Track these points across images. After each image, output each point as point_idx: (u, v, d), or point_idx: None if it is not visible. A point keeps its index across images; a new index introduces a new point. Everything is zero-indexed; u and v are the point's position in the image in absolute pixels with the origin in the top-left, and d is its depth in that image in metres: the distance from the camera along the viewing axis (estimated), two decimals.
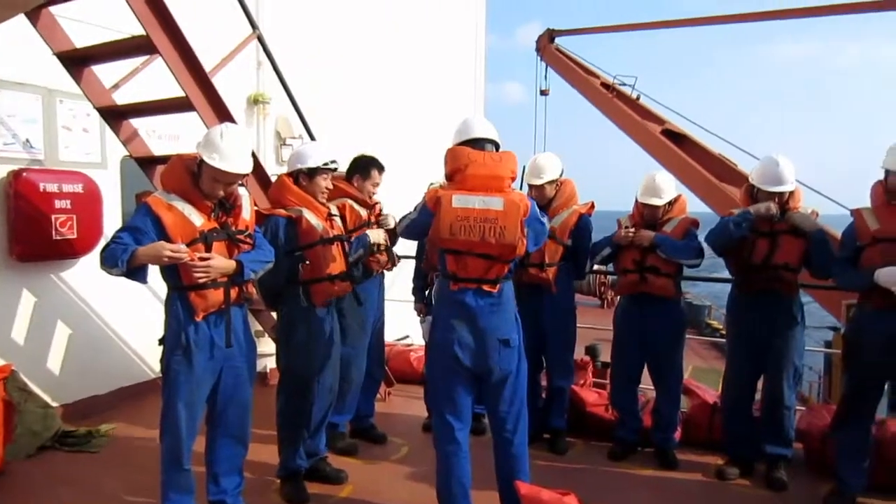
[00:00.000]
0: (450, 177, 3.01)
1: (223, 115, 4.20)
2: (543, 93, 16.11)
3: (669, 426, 4.18)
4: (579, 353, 7.12)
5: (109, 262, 2.73)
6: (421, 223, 3.05)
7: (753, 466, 3.95)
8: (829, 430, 3.70)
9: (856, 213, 3.49)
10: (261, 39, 4.87)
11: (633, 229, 4.07)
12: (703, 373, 11.47)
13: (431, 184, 3.35)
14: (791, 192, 3.74)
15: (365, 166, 4.18)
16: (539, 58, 15.91)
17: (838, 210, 5.61)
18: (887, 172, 3.35)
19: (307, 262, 3.45)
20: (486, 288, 2.96)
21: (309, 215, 3.49)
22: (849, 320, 3.71)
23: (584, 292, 20.14)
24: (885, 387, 3.56)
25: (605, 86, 13.95)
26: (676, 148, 11.73)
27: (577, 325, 4.40)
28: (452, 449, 3.03)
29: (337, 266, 3.57)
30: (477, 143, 3.00)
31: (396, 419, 4.87)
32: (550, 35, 15.68)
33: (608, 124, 13.68)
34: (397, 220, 3.56)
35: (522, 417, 3.12)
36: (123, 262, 2.70)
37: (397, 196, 4.55)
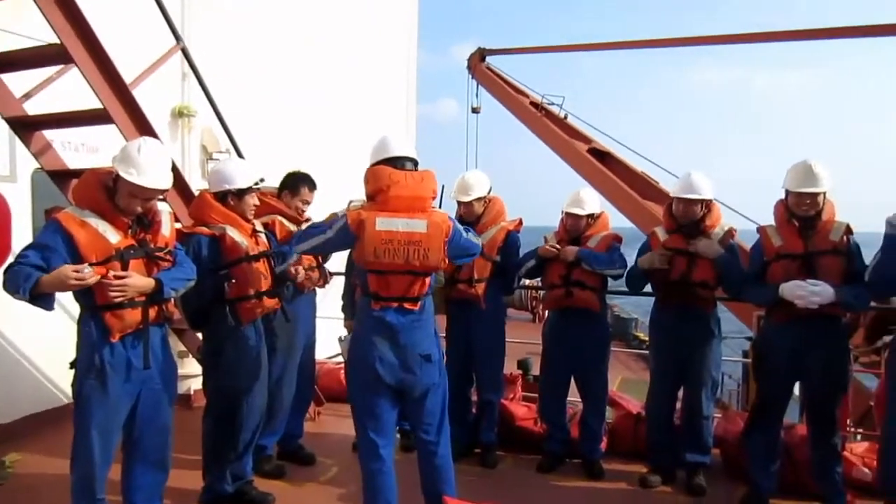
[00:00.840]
0: (371, 197, 2.98)
1: (144, 127, 4.08)
2: (475, 110, 16.33)
3: (595, 437, 4.28)
4: (511, 368, 7.22)
5: (11, 286, 2.58)
6: (335, 244, 3.04)
7: (675, 473, 4.09)
8: (742, 436, 3.88)
9: (761, 230, 3.70)
10: (185, 51, 4.76)
11: (558, 245, 4.17)
12: (631, 383, 11.75)
13: (351, 202, 3.32)
14: (708, 211, 3.91)
15: (294, 183, 4.14)
16: (470, 76, 16.16)
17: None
18: (787, 192, 3.57)
19: (233, 280, 3.38)
20: (407, 306, 2.97)
21: (233, 232, 3.41)
22: (757, 332, 3.91)
23: (517, 307, 20.40)
24: (797, 392, 3.76)
25: (534, 105, 14.27)
26: (602, 166, 12.11)
27: (509, 339, 4.47)
28: (377, 466, 3.01)
29: (264, 283, 3.50)
30: (395, 162, 2.98)
31: (326, 439, 4.79)
32: (481, 54, 15.96)
33: (538, 142, 14.01)
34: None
35: (445, 429, 3.15)
36: (26, 290, 2.55)
37: (329, 212, 4.51)
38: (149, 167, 2.77)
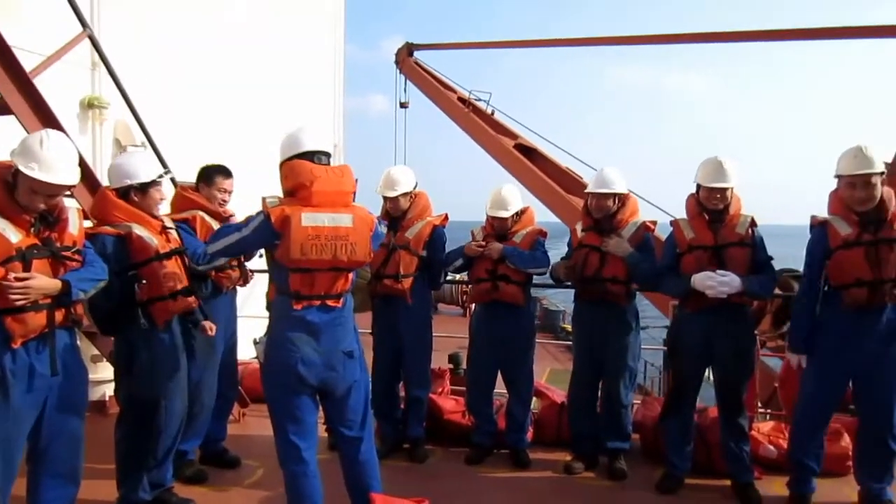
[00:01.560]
0: (290, 192, 2.91)
1: (47, 119, 3.86)
2: (403, 105, 16.27)
3: (521, 428, 4.36)
4: (442, 362, 7.25)
5: None
6: (253, 242, 2.96)
7: (597, 459, 4.23)
8: (658, 421, 4.04)
9: (674, 223, 3.87)
10: (92, 39, 4.52)
11: (483, 242, 4.22)
12: (559, 374, 12.01)
13: (266, 199, 3.24)
14: (622, 205, 4.05)
15: (207, 174, 3.99)
16: (398, 71, 16.09)
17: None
18: (698, 186, 3.74)
19: (143, 282, 3.23)
20: (330, 303, 2.93)
21: (140, 230, 3.25)
22: (672, 321, 4.09)
23: (446, 301, 20.52)
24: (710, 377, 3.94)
25: (462, 100, 14.36)
26: (528, 161, 12.31)
27: (439, 333, 4.50)
28: (300, 469, 2.94)
29: (178, 282, 3.37)
30: (311, 156, 2.91)
31: (251, 441, 4.68)
32: (409, 49, 15.91)
33: (466, 138, 14.11)
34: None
35: (368, 425, 3.13)
36: None
37: (254, 210, 4.39)
38: (52, 161, 2.62)
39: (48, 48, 4.15)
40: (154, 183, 3.35)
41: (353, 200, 3.00)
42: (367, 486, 3.06)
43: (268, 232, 2.83)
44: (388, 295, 4.19)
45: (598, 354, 4.11)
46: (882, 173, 3.38)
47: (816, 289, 3.51)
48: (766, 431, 4.29)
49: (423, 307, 4.35)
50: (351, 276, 3.01)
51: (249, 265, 4.27)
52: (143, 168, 3.34)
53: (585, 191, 4.13)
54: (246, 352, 5.42)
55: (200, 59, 7.29)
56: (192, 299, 3.46)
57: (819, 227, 3.49)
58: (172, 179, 3.71)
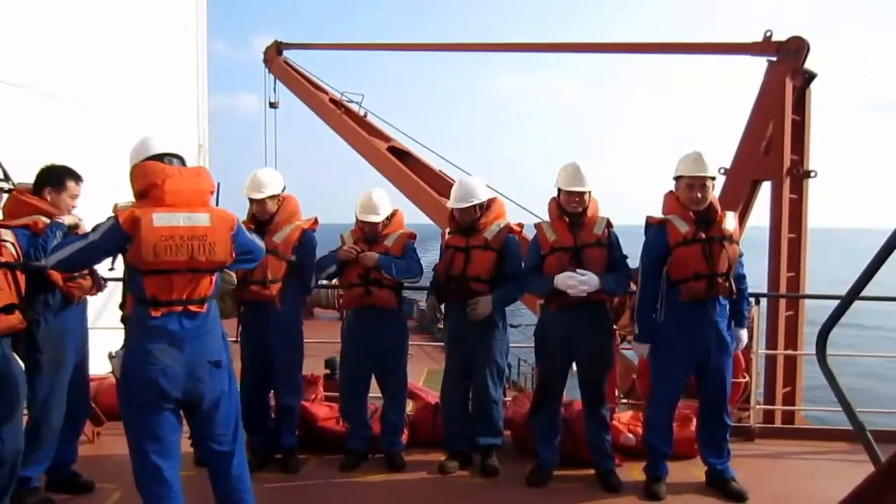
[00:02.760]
0: (143, 194, 2.76)
1: None
2: (273, 105, 15.86)
3: (396, 430, 4.37)
4: (318, 368, 7.12)
5: None
6: (102, 249, 2.76)
7: (471, 457, 4.31)
8: (528, 416, 4.21)
9: (538, 226, 4.06)
10: None
11: (356, 248, 4.20)
12: (436, 374, 12.12)
13: (117, 205, 3.04)
14: (487, 208, 4.18)
15: (58, 177, 3.65)
16: (267, 70, 15.65)
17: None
18: (559, 191, 3.95)
19: None
20: (193, 309, 2.78)
21: None
22: (538, 319, 4.28)
23: (323, 305, 20.18)
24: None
25: (334, 101, 14.20)
26: (401, 164, 12.40)
27: (316, 339, 4.40)
28: (162, 492, 2.76)
29: (2, 298, 3.06)
30: (160, 159, 2.80)
31: (107, 461, 4.35)
32: (278, 47, 15.52)
33: (339, 139, 13.95)
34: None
35: (239, 437, 3.00)
36: None
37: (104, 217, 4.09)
38: None
39: None
40: None
41: (212, 201, 2.90)
42: (236, 501, 2.93)
43: (117, 236, 2.67)
44: (255, 301, 4.05)
45: (467, 353, 4.20)
46: (714, 178, 3.77)
47: (656, 284, 3.79)
48: (626, 421, 4.59)
49: (293, 313, 4.24)
50: (214, 278, 2.87)
51: (104, 274, 3.97)
52: None
53: (448, 205, 4.22)
54: (100, 366, 5.05)
55: (47, 53, 6.71)
56: (17, 318, 3.14)
57: (658, 226, 3.79)
58: (10, 190, 3.36)
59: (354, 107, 14.16)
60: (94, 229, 2.76)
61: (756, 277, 5.21)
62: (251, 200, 4.08)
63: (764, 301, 5.24)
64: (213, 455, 2.94)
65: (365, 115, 14.04)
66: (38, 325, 3.39)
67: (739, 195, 7.84)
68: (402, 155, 12.90)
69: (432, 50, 15.37)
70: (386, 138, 13.41)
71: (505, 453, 4.38)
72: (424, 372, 13.00)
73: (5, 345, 3.13)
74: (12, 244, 3.24)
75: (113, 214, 2.77)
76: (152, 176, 2.72)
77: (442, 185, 11.87)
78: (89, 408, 4.26)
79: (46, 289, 3.47)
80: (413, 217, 4.56)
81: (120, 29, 8.06)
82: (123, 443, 4.61)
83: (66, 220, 3.53)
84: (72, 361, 3.75)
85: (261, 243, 3.16)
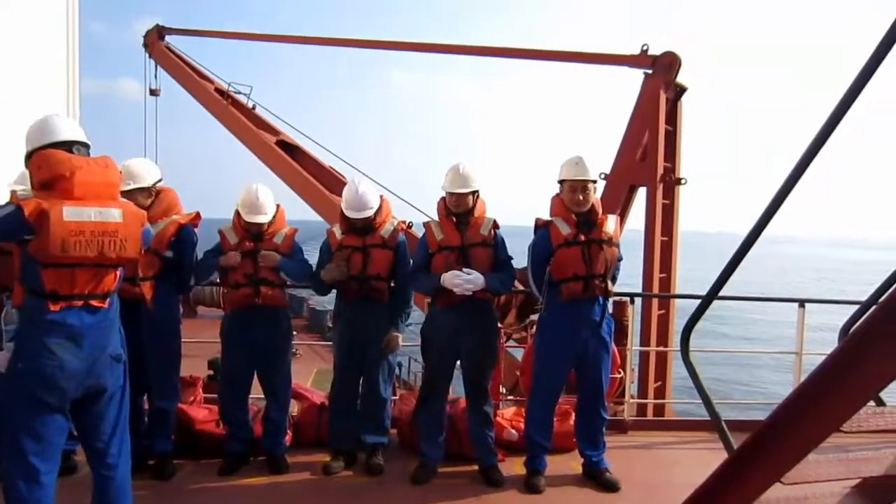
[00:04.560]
0: (46, 185, 2.61)
1: None
2: (153, 92, 15.04)
3: (279, 431, 4.26)
4: (200, 369, 6.80)
5: None
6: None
7: (356, 456, 4.28)
8: (413, 414, 4.23)
9: (426, 225, 4.10)
10: None
11: (238, 255, 4.04)
12: (326, 374, 11.96)
13: (17, 191, 2.80)
14: (379, 209, 4.15)
15: None
16: (147, 55, 14.81)
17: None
18: (448, 192, 4.00)
19: None
20: (95, 303, 2.68)
21: None
22: (425, 316, 4.31)
23: (208, 304, 19.37)
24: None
25: (220, 91, 13.66)
26: (290, 159, 12.11)
27: (199, 339, 4.20)
28: (38, 496, 2.61)
29: None
30: (68, 147, 2.67)
31: None
32: (160, 31, 14.75)
33: (226, 132, 13.43)
34: None
35: (126, 443, 2.90)
36: None
37: None
38: None
39: None
40: None
41: (122, 194, 2.83)
42: None
43: (17, 225, 2.53)
44: (125, 299, 3.80)
45: (360, 351, 4.17)
46: (595, 181, 3.95)
47: (540, 282, 3.95)
48: (509, 416, 4.71)
49: (168, 312, 4.00)
50: (119, 273, 2.80)
51: None
52: None
53: (344, 209, 4.13)
54: None
55: None
56: None
57: (543, 227, 3.95)
58: None
59: (243, 98, 13.69)
60: None
61: (631, 277, 5.52)
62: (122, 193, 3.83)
63: (638, 300, 5.55)
64: (98, 456, 2.84)
65: (254, 108, 13.61)
66: None
67: (618, 199, 8.25)
68: (290, 149, 12.60)
69: (323, 44, 15.10)
70: (275, 132, 13.06)
71: (390, 452, 4.38)
72: (314, 372, 12.78)
73: None
74: None
75: (10, 200, 2.59)
76: (58, 167, 2.60)
77: (332, 180, 11.70)
78: None
79: None
80: (293, 213, 4.45)
81: None
82: None
83: None
84: None
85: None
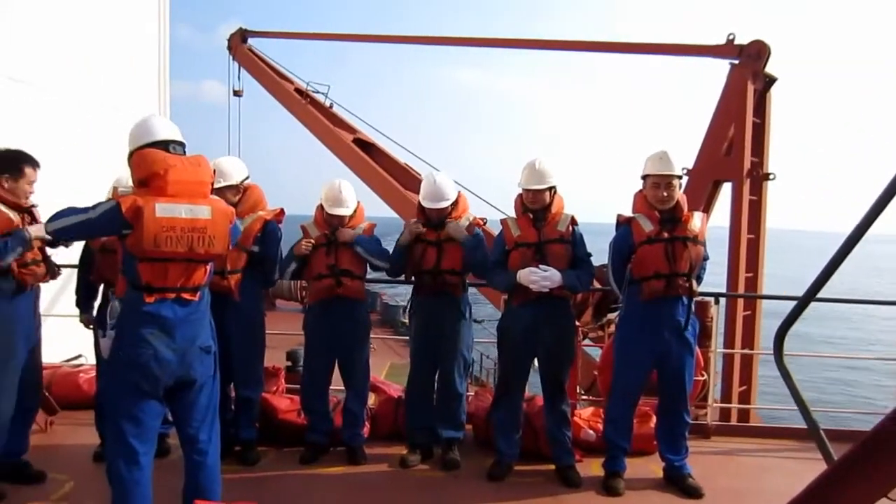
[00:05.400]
0: (144, 182, 2.76)
1: None
2: (237, 94, 15.64)
3: (357, 423, 4.34)
4: (279, 360, 7.04)
5: None
6: (99, 228, 2.80)
7: (432, 451, 4.32)
8: (489, 410, 4.22)
9: (503, 222, 4.08)
10: None
11: (312, 241, 4.16)
12: (399, 368, 12.18)
13: (119, 189, 3.00)
14: (455, 203, 4.17)
15: (13, 163, 3.54)
16: (231, 57, 15.39)
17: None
18: (524, 189, 3.96)
19: None
20: (186, 296, 2.81)
21: None
22: (501, 314, 4.30)
23: (286, 297, 19.99)
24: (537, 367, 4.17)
25: (299, 91, 14.04)
26: (366, 156, 12.33)
27: (277, 331, 4.35)
28: (136, 476, 2.77)
29: None
30: (164, 146, 2.81)
31: (60, 451, 4.26)
32: (243, 35, 15.29)
33: (305, 130, 13.81)
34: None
35: (216, 430, 3.03)
36: None
37: (60, 202, 3.97)
38: None
39: None
40: None
41: (212, 191, 2.93)
42: (206, 493, 2.93)
43: (116, 221, 2.69)
44: (213, 292, 3.97)
45: (434, 345, 4.20)
46: (680, 177, 3.82)
47: (620, 280, 3.87)
48: (587, 417, 4.63)
49: (254, 305, 4.17)
50: (209, 268, 2.93)
51: (58, 260, 3.86)
52: None
53: (421, 200, 4.18)
54: (54, 354, 4.92)
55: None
56: None
57: (625, 224, 3.85)
58: None
59: (320, 97, 14.04)
60: (93, 207, 2.76)
61: (714, 276, 5.33)
62: (212, 190, 4.00)
63: (723, 301, 5.36)
64: (190, 441, 2.97)
65: (331, 106, 13.92)
66: None
67: (701, 195, 7.99)
68: (367, 147, 12.83)
69: (397, 42, 15.30)
70: (352, 130, 13.33)
71: (466, 447, 4.39)
72: (387, 366, 12.99)
73: None
74: None
75: (111, 198, 2.82)
76: (154, 166, 2.74)
77: (407, 178, 11.84)
78: (42, 397, 4.14)
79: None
80: (371, 210, 4.52)
81: (79, 11, 7.81)
82: (77, 433, 4.55)
83: (32, 231, 3.45)
84: (23, 350, 3.65)
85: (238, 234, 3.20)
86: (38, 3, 7.04)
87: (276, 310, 17.79)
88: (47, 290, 3.95)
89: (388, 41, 15.37)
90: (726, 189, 8.13)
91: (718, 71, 8.20)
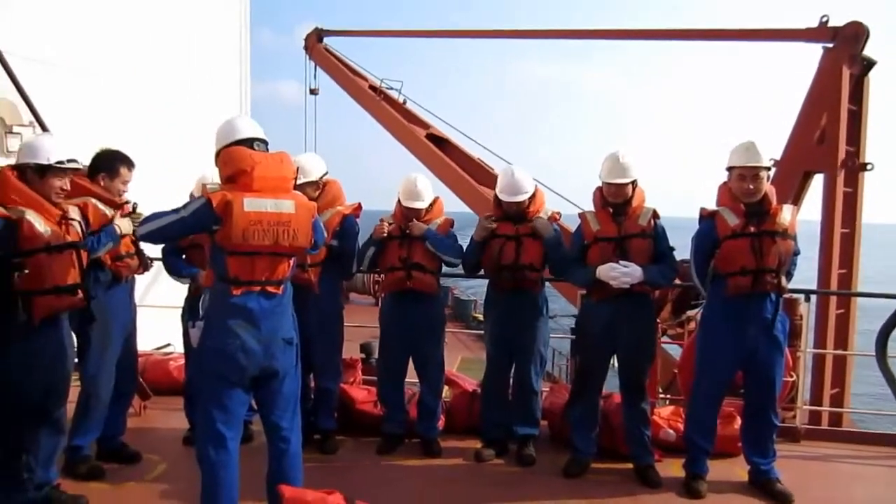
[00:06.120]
0: (231, 179, 2.88)
1: None
2: (313, 92, 16.00)
3: (433, 416, 4.37)
4: (354, 352, 7.19)
5: None
6: (190, 226, 2.91)
7: (507, 446, 4.29)
8: (565, 407, 4.16)
9: (582, 216, 3.99)
10: None
11: (389, 220, 4.23)
12: (470, 363, 12.21)
13: (207, 185, 3.16)
14: (532, 197, 4.13)
15: (110, 164, 3.76)
16: (308, 57, 15.77)
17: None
18: (605, 182, 3.87)
19: (25, 271, 3.01)
20: (270, 289, 2.91)
21: (34, 218, 3.05)
22: (579, 309, 4.22)
23: (359, 291, 20.39)
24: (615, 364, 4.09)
25: (373, 88, 14.24)
26: (439, 151, 12.38)
27: (351, 323, 4.43)
28: (224, 460, 2.89)
29: (68, 277, 3.17)
30: (247, 143, 2.92)
31: (153, 434, 4.49)
32: (319, 34, 15.62)
33: (379, 126, 14.01)
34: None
35: (297, 419, 3.11)
36: None
37: (152, 198, 4.17)
38: None
39: None
40: (54, 169, 3.15)
41: (294, 187, 3.03)
42: (289, 479, 3.01)
43: (207, 216, 2.81)
44: (294, 286, 4.09)
45: (511, 341, 4.18)
46: (769, 168, 3.63)
47: (703, 276, 3.73)
48: (666, 416, 4.49)
49: (332, 298, 4.27)
50: (292, 262, 3.02)
51: (149, 253, 4.07)
52: (45, 149, 3.15)
53: (499, 193, 4.15)
54: (147, 343, 5.18)
55: (93, 39, 6.86)
56: (78, 297, 3.26)
57: (708, 218, 3.70)
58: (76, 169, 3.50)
59: (394, 93, 14.18)
60: (184, 206, 2.90)
61: (804, 272, 5.06)
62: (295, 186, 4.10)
63: (813, 298, 5.08)
64: (274, 429, 3.06)
65: (404, 102, 14.05)
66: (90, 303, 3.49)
67: (790, 187, 7.60)
68: (440, 142, 12.88)
69: (469, 37, 15.30)
70: (425, 125, 13.41)
71: (541, 444, 4.35)
72: (458, 360, 13.03)
73: (65, 321, 3.26)
74: (78, 223, 3.35)
75: (200, 195, 2.91)
76: (240, 163, 2.84)
77: (480, 173, 11.82)
78: (136, 382, 4.38)
79: (96, 267, 3.58)
80: (451, 206, 4.54)
81: (164, 14, 8.19)
82: (170, 417, 4.77)
83: (123, 227, 3.65)
84: (120, 338, 3.86)
85: (324, 232, 3.29)
86: (137, 15, 7.42)
87: (350, 303, 18.16)
88: (140, 281, 4.17)
89: (460, 36, 15.39)
90: (817, 180, 7.70)
91: (810, 56, 7.78)
